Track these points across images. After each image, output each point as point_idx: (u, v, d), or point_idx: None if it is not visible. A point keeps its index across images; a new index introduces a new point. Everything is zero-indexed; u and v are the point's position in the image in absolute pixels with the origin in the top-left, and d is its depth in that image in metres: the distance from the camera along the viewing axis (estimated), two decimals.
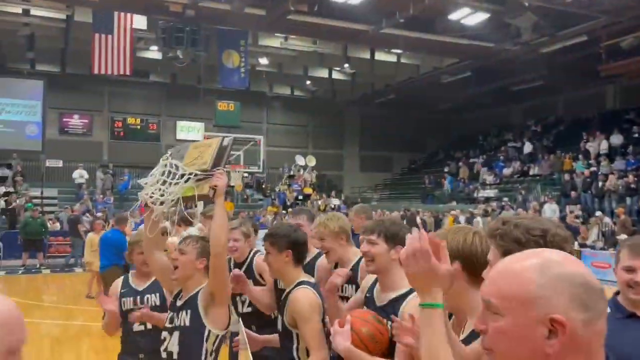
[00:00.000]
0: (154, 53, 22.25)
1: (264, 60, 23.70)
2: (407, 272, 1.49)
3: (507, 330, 1.00)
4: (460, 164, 27.18)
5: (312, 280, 2.94)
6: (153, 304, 3.38)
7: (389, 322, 2.24)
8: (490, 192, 23.37)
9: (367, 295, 2.55)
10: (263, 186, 26.84)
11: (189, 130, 27.63)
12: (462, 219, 18.82)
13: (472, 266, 1.76)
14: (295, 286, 2.78)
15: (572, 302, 0.98)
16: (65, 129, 26.12)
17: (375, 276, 2.55)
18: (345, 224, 3.29)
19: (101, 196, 22.69)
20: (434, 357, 1.41)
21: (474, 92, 26.52)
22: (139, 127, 27.31)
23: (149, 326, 3.32)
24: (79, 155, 24.53)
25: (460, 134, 33.51)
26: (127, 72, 18.28)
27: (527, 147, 24.87)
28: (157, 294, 3.42)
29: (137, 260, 3.52)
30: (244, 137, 21.81)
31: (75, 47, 20.75)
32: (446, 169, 27.31)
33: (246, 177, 25.16)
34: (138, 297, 3.46)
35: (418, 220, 19.51)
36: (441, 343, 1.41)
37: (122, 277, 3.64)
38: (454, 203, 23.49)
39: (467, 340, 1.76)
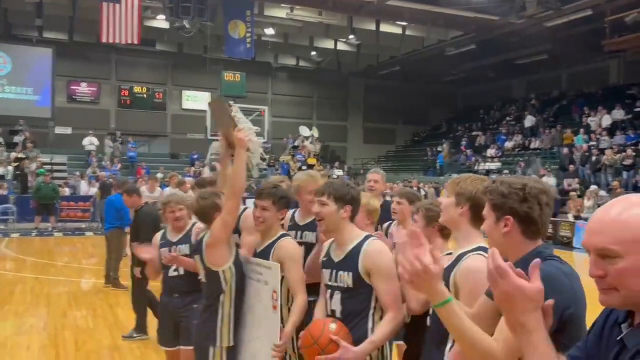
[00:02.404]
0: (160, 22, 22.39)
1: (269, 31, 23.79)
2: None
3: (631, 268, 1.13)
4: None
5: None
6: (183, 253, 3.98)
7: (350, 273, 2.55)
8: (492, 165, 23.68)
9: (324, 258, 2.74)
10: (267, 156, 27.13)
11: (195, 99, 27.90)
12: None
13: (478, 210, 2.01)
14: None
15: None
16: (73, 97, 26.47)
17: (330, 241, 2.79)
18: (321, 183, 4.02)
19: (109, 163, 23.16)
20: None
21: (478, 65, 26.61)
22: (145, 95, 27.62)
23: (182, 271, 3.94)
24: (87, 122, 24.92)
25: (464, 107, 33.63)
26: (135, 41, 18.51)
27: (529, 121, 25.06)
28: (187, 245, 4.03)
29: (169, 217, 4.12)
30: (249, 107, 22.11)
31: (83, 15, 20.92)
32: (439, 148, 27.52)
33: None
34: (172, 247, 4.08)
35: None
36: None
37: (161, 231, 4.30)
38: (455, 175, 23.81)
39: None
